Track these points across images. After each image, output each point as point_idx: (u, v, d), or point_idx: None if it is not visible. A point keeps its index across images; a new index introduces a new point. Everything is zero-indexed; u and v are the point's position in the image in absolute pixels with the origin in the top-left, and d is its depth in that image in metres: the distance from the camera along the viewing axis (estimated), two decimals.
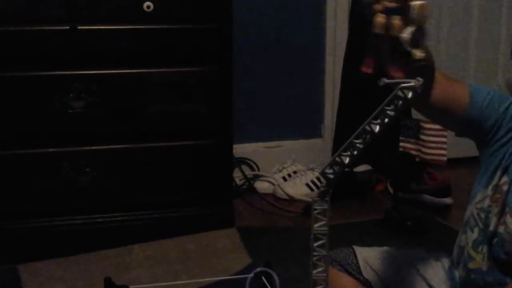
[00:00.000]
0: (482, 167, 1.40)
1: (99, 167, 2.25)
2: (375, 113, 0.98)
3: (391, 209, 2.56)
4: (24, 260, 2.18)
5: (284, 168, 2.89)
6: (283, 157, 2.95)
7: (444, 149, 2.50)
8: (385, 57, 1.10)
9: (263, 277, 1.35)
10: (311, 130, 3.07)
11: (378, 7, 1.07)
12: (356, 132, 1.00)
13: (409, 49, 1.06)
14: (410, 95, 0.95)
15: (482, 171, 1.39)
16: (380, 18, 1.06)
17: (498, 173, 1.35)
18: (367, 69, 1.09)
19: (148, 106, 2.26)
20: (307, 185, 2.81)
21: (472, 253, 1.38)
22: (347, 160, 1.01)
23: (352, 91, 2.85)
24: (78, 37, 2.16)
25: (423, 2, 1.05)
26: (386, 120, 0.98)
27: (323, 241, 1.02)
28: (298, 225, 2.51)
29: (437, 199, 2.68)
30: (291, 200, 2.77)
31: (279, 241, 2.35)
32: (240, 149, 2.84)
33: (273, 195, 2.81)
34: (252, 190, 2.81)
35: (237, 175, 2.77)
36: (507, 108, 1.34)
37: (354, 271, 1.58)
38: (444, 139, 2.45)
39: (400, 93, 0.95)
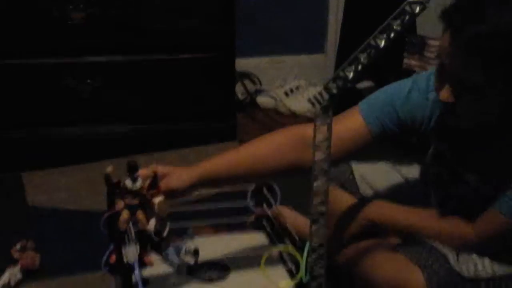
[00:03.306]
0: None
1: (100, 79, 2.24)
2: (381, 27, 0.97)
3: None
4: (28, 168, 2.21)
5: (286, 83, 2.89)
6: (286, 72, 2.93)
7: None
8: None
9: (264, 189, 1.37)
10: (314, 45, 3.04)
11: (120, 205, 1.13)
12: (361, 47, 0.99)
13: (154, 238, 1.16)
14: (417, 9, 0.94)
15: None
16: (125, 215, 1.13)
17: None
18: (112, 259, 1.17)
19: (149, 18, 2.23)
20: (309, 100, 2.80)
21: None
22: (351, 75, 1.01)
23: (357, 5, 2.80)
24: None
25: (161, 198, 1.16)
26: (392, 34, 0.97)
27: (325, 155, 1.03)
28: None
29: None
30: (293, 115, 2.78)
31: None
32: (243, 64, 2.82)
33: (275, 110, 2.82)
34: (254, 104, 2.81)
35: (239, 89, 2.77)
36: (402, 108, 1.37)
37: (351, 187, 1.61)
38: None
39: (407, 8, 0.94)
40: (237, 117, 2.51)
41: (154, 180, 1.16)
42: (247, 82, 2.86)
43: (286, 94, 2.85)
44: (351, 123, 1.39)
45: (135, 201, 1.13)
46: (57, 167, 2.24)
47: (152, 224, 1.15)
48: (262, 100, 2.85)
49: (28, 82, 2.22)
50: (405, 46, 2.57)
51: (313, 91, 2.82)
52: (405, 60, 2.58)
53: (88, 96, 2.25)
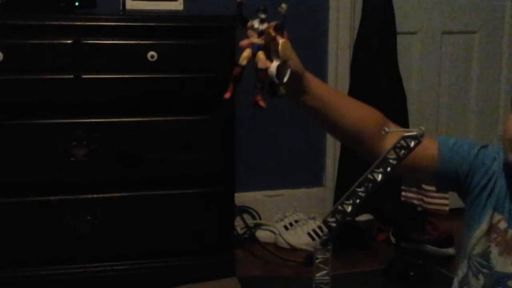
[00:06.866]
0: (467, 215, 1.39)
1: (100, 216, 2.24)
2: (377, 162, 0.99)
3: (393, 259, 2.54)
4: None
5: (285, 217, 2.88)
6: (285, 206, 2.93)
7: (446, 198, 2.49)
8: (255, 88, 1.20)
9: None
10: (313, 178, 3.07)
11: (244, 42, 1.19)
12: (359, 181, 1.00)
13: (275, 80, 1.17)
14: (412, 144, 0.96)
15: (469, 219, 1.39)
16: (246, 53, 1.18)
17: (488, 213, 1.34)
18: (227, 95, 1.21)
19: (151, 154, 2.27)
20: (309, 234, 2.79)
21: None
22: (349, 209, 1.01)
23: None
24: (81, 85, 2.18)
25: (285, 39, 1.18)
26: (389, 169, 0.98)
27: None
28: (300, 274, 2.49)
29: (439, 249, 2.66)
30: (293, 249, 2.75)
31: None
32: (242, 198, 2.83)
33: (274, 244, 2.80)
34: (254, 239, 2.79)
35: (238, 224, 2.76)
36: (476, 155, 1.35)
37: None
38: None
39: (403, 142, 0.96)
40: (236, 253, 2.49)
41: (281, 24, 1.18)
42: (245, 216, 2.85)
43: (286, 228, 2.84)
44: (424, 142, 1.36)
45: (260, 40, 1.17)
46: None
47: (274, 65, 1.16)
48: (261, 234, 2.83)
49: (27, 220, 2.21)
50: (402, 179, 2.60)
51: (312, 225, 2.81)
52: (403, 193, 2.60)
53: (87, 234, 2.24)
